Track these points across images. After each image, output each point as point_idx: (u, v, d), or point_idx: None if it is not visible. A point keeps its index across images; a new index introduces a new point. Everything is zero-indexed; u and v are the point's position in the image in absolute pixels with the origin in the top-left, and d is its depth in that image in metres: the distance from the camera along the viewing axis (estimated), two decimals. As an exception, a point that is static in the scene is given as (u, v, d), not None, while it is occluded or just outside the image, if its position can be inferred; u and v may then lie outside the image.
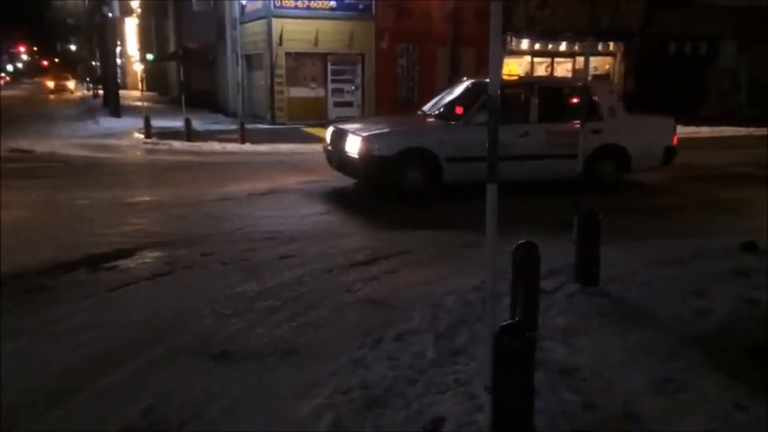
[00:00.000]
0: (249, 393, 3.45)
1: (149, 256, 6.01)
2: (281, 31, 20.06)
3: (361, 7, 20.70)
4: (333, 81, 21.21)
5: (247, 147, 15.17)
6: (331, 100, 21.26)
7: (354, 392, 3.39)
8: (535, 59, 22.96)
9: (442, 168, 8.55)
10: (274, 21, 20.02)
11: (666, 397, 3.35)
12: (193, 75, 32.97)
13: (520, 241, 3.93)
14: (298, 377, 3.63)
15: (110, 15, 17.42)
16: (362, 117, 19.33)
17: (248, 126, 16.76)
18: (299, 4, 20.08)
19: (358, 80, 21.51)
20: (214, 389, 3.46)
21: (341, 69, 21.18)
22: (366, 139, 8.58)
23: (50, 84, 50.98)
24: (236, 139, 15.72)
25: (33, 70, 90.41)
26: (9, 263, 5.55)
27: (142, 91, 23.43)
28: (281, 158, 13.55)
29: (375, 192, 9.07)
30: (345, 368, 3.71)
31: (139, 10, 51.30)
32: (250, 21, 21.68)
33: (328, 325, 4.44)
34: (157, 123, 17.73)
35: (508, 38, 22.31)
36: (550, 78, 12.00)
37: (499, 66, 2.65)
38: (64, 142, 15.97)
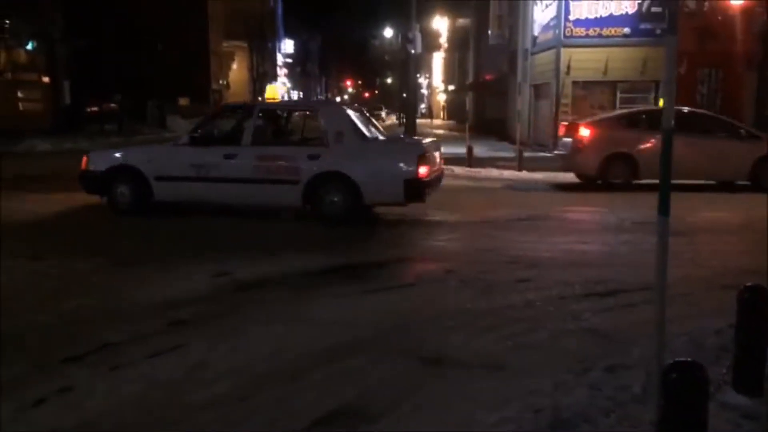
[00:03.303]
0: (445, 396, 3.74)
1: (402, 269, 6.68)
2: (569, 61, 20.05)
3: (658, 32, 19.68)
4: (622, 109, 20.44)
5: (524, 174, 15.47)
6: (619, 129, 20.50)
7: (544, 412, 3.48)
8: None
9: (152, 186, 8.89)
10: (563, 51, 20.10)
11: None
12: (487, 104, 34.47)
13: (749, 283, 3.62)
14: (498, 390, 3.80)
15: (413, 52, 19.23)
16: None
17: (529, 154, 17.05)
18: (590, 32, 19.88)
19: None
20: (416, 389, 3.83)
21: (631, 97, 20.37)
22: (87, 156, 9.47)
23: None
24: (514, 167, 16.14)
25: (357, 101, 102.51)
26: (298, 264, 6.68)
27: (443, 119, 25.24)
28: (552, 186, 13.60)
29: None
30: (545, 389, 3.80)
31: (445, 45, 55.32)
32: (540, 51, 22.06)
33: (543, 347, 4.54)
34: (445, 150, 18.94)
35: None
36: (279, 102, 10.72)
37: (671, 95, 2.60)
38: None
